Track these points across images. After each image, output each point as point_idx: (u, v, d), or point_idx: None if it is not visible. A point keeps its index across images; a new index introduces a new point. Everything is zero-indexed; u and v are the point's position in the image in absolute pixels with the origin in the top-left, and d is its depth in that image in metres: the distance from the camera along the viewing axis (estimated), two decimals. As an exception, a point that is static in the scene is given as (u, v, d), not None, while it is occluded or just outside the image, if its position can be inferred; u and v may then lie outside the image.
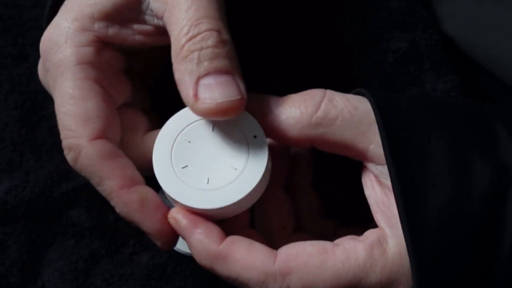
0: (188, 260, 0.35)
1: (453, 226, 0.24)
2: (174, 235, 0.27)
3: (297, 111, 0.27)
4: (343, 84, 0.28)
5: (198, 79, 0.26)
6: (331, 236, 0.31)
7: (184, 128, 0.28)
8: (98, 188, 0.27)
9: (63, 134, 0.27)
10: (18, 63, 0.38)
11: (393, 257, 0.25)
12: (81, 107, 0.27)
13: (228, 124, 0.27)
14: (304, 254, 0.25)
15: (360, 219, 0.31)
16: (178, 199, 0.27)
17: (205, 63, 0.26)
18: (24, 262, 0.35)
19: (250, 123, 0.27)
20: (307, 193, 0.32)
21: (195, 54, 0.26)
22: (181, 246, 0.34)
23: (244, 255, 0.26)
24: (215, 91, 0.25)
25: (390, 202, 0.26)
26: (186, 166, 0.27)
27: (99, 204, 0.36)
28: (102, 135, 0.27)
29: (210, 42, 0.26)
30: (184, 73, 0.26)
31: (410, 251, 0.24)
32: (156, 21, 0.29)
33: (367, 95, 0.27)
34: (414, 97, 0.28)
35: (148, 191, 0.27)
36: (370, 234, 0.26)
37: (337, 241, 0.26)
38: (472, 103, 0.28)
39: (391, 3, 0.38)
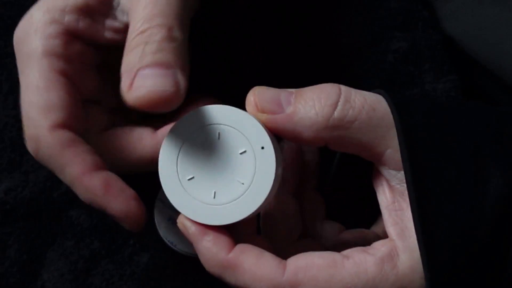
0: (188, 260, 0.34)
1: (467, 240, 0.24)
2: (141, 216, 0.27)
3: (312, 111, 0.26)
4: (343, 84, 0.27)
5: (138, 70, 0.26)
6: (334, 238, 0.31)
7: (190, 135, 0.27)
8: (61, 177, 0.27)
9: (25, 124, 0.28)
10: (18, 63, 0.38)
11: (404, 271, 0.24)
12: (43, 98, 0.27)
13: (235, 132, 0.27)
14: (313, 267, 0.25)
15: (364, 222, 0.31)
16: (185, 213, 0.27)
17: (148, 56, 0.26)
18: (24, 262, 0.35)
19: (258, 132, 0.26)
20: (311, 196, 0.32)
21: (140, 47, 0.26)
22: (181, 246, 0.34)
23: (253, 265, 0.25)
24: (148, 80, 0.25)
25: (403, 213, 0.26)
26: (193, 177, 0.27)
27: (99, 204, 0.36)
28: (62, 125, 0.27)
29: (157, 37, 0.26)
30: (127, 64, 0.26)
31: (425, 266, 0.24)
32: (125, 18, 0.29)
33: (386, 98, 0.26)
34: (431, 102, 0.27)
35: (110, 175, 0.27)
36: (380, 246, 0.26)
37: (347, 252, 0.26)
38: (486, 107, 0.28)
39: (391, 3, 0.38)
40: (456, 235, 0.24)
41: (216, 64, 0.37)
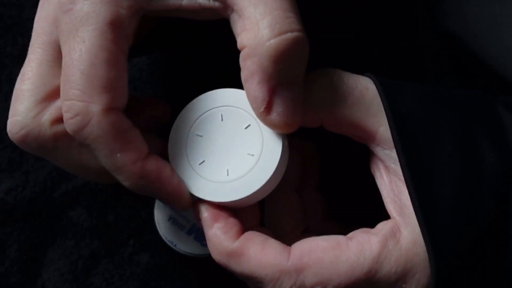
0: (188, 260, 0.35)
1: (465, 211, 0.24)
2: (190, 197, 0.27)
3: (306, 87, 0.26)
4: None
5: (277, 87, 0.25)
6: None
7: (194, 122, 0.28)
8: (105, 160, 0.25)
9: (71, 93, 0.24)
10: (18, 63, 0.38)
11: (407, 246, 0.25)
12: (104, 72, 0.24)
13: (236, 109, 0.27)
14: (318, 249, 0.25)
15: (365, 222, 0.31)
16: (201, 196, 0.27)
17: (294, 72, 0.25)
18: (24, 262, 0.35)
19: None
20: (312, 195, 0.32)
21: (286, 58, 0.24)
22: (181, 246, 0.34)
23: (258, 252, 0.25)
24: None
25: (400, 191, 0.26)
26: (203, 161, 0.27)
27: (99, 204, 0.36)
28: (119, 108, 0.25)
29: (302, 48, 0.25)
30: (264, 73, 0.24)
31: (426, 239, 0.24)
32: None
33: (374, 80, 0.27)
34: (422, 85, 0.28)
35: (160, 160, 0.27)
36: (382, 226, 0.26)
37: (350, 234, 0.26)
38: (478, 92, 0.28)
39: (391, 3, 0.38)
40: (455, 211, 0.24)
41: (214, 56, 0.37)
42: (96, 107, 0.24)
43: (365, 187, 0.29)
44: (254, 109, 0.26)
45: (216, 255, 0.26)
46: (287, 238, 0.29)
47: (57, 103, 0.26)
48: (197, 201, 0.27)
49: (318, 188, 0.32)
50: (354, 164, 0.30)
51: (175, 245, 0.34)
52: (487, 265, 0.25)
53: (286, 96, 0.25)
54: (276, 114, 0.25)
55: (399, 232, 0.25)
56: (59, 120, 0.26)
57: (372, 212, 0.28)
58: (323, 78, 0.27)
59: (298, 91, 0.25)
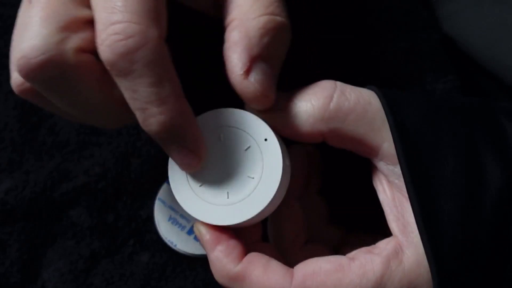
0: (188, 260, 0.35)
1: (469, 229, 0.24)
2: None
3: (308, 104, 0.26)
4: (342, 84, 0.27)
5: (256, 58, 0.25)
6: (339, 243, 0.31)
7: None
8: (152, 89, 0.23)
9: (124, 16, 0.23)
10: (18, 63, 0.38)
11: (410, 267, 0.25)
12: (155, 2, 0.24)
13: (236, 130, 0.27)
14: (321, 273, 0.25)
15: (368, 226, 0.31)
16: (202, 219, 0.27)
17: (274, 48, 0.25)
18: (24, 262, 0.35)
19: (258, 126, 0.27)
20: (314, 200, 0.32)
21: (272, 35, 0.25)
22: (181, 246, 0.34)
23: (260, 276, 0.25)
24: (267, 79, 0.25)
25: (404, 208, 0.26)
26: (204, 183, 0.27)
27: (99, 204, 0.36)
28: (164, 38, 0.24)
29: (286, 35, 0.26)
30: (246, 44, 0.25)
31: (430, 259, 0.24)
32: None
33: (378, 94, 0.26)
34: (425, 96, 0.28)
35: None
36: (385, 245, 0.26)
37: (352, 254, 0.26)
38: (481, 101, 0.28)
39: (391, 3, 0.38)
40: (459, 230, 0.24)
41: (211, 68, 0.37)
42: (154, 32, 0.23)
43: (367, 190, 0.29)
44: (231, 74, 0.25)
45: (218, 278, 0.26)
46: (290, 248, 0.29)
47: (81, 34, 0.24)
48: (198, 223, 0.27)
49: (319, 191, 0.32)
50: (356, 167, 0.30)
51: (175, 245, 0.34)
52: (490, 283, 0.25)
53: (265, 69, 0.25)
54: (253, 80, 0.25)
55: (401, 252, 0.25)
56: (84, 49, 0.24)
57: (374, 213, 0.28)
58: (325, 93, 0.26)
59: (275, 71, 0.26)
